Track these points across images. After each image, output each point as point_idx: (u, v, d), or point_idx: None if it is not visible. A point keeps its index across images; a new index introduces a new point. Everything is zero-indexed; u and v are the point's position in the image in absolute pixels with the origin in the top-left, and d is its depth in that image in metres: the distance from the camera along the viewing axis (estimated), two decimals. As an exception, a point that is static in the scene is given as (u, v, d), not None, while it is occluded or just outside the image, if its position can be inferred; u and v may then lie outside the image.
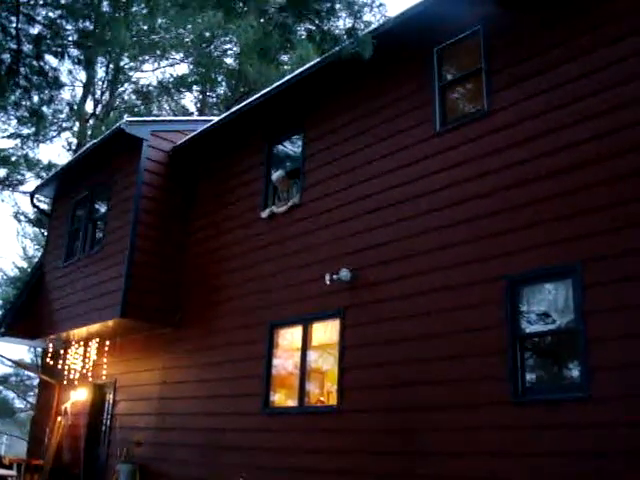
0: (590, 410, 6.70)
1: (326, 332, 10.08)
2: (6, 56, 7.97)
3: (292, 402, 10.22)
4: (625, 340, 6.61)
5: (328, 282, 9.54)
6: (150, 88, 26.05)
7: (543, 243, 7.50)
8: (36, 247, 28.05)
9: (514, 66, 8.41)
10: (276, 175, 11.40)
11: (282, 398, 10.58)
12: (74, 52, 8.58)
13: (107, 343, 14.26)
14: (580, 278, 7.07)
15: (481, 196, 8.30)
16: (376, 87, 10.23)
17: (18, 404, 30.57)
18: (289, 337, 10.68)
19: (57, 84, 8.48)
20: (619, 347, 6.63)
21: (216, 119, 13.06)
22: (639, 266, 6.69)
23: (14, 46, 7.89)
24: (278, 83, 11.46)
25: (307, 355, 10.08)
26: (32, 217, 26.05)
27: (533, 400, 7.27)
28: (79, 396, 14.93)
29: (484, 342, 7.74)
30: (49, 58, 8.26)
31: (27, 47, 8.05)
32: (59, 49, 8.17)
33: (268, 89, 11.67)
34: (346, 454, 8.90)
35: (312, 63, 10.67)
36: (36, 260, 23.56)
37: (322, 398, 9.97)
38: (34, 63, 8.12)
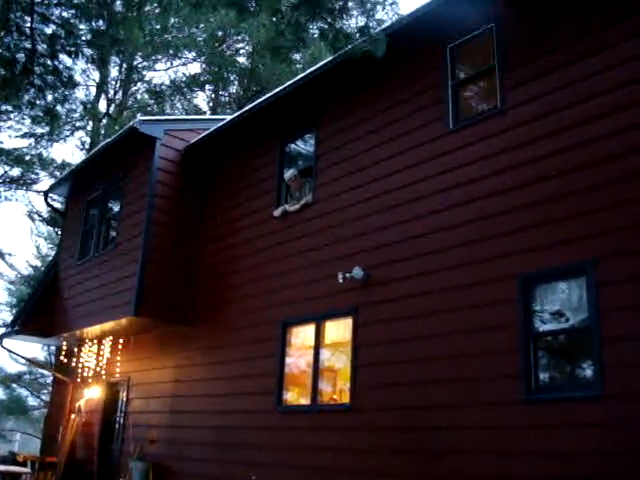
0: (603, 409, 6.67)
1: (339, 330, 10.08)
2: (21, 55, 8.02)
3: (305, 400, 10.23)
4: (639, 339, 6.57)
5: (341, 280, 9.54)
6: (163, 87, 26.18)
7: (557, 241, 7.47)
8: (50, 246, 28.22)
9: (527, 64, 8.37)
10: (288, 174, 11.41)
11: (295, 396, 10.60)
12: (88, 51, 8.62)
13: (120, 341, 14.33)
14: (594, 276, 7.04)
15: (494, 194, 8.27)
16: (389, 85, 10.21)
17: (32, 402, 30.72)
18: (302, 335, 10.69)
19: (71, 83, 8.52)
20: (633, 346, 6.58)
21: (229, 118, 13.08)
22: (654, 264, 6.66)
23: (29, 45, 7.94)
24: (290, 82, 11.46)
25: (320, 353, 10.08)
26: (46, 216, 26.21)
27: (546, 399, 7.24)
28: (93, 394, 15.01)
29: (498, 341, 7.72)
30: (63, 57, 8.30)
31: (41, 46, 8.10)
32: (73, 48, 8.21)
33: (281, 88, 11.68)
34: (359, 453, 8.90)
35: (324, 62, 10.67)
36: (50, 259, 23.70)
37: (335, 396, 9.97)
38: (48, 62, 8.16)
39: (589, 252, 7.15)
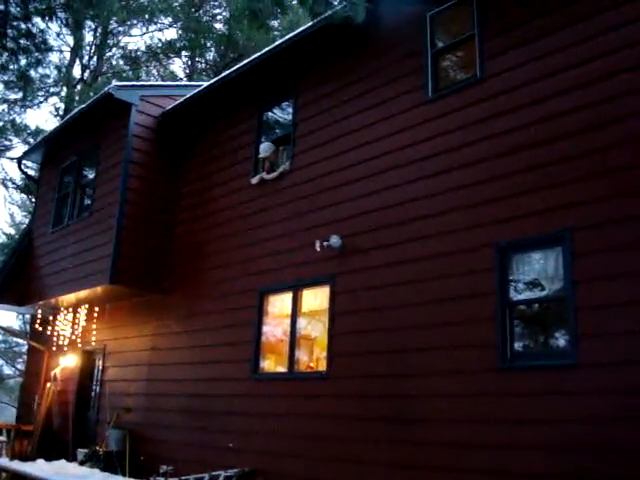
0: (578, 377, 6.75)
1: (316, 299, 10.10)
2: (-7, 18, 7.84)
3: (282, 368, 10.26)
4: (613, 308, 6.63)
5: (318, 249, 9.53)
6: (138, 53, 25.81)
7: (534, 211, 7.49)
8: (24, 214, 27.93)
9: (507, 33, 8.33)
10: (263, 148, 11.21)
11: (272, 364, 10.63)
12: (62, 14, 8.43)
13: (96, 309, 14.25)
14: (570, 246, 7.08)
15: (472, 163, 8.26)
16: (368, 53, 10.13)
17: (7, 371, 30.63)
18: (279, 304, 10.69)
19: (45, 47, 8.36)
20: (607, 315, 6.65)
21: (206, 84, 12.92)
22: (629, 234, 6.70)
23: (1, 7, 7.75)
24: (268, 48, 11.32)
25: (297, 322, 10.10)
26: (19, 183, 25.89)
27: (521, 367, 7.31)
28: (68, 362, 14.95)
29: (474, 310, 7.76)
30: (37, 20, 8.12)
31: (15, 9, 7.91)
32: (47, 11, 8.03)
33: (258, 54, 11.53)
34: (335, 420, 8.95)
35: (304, 27, 10.52)
36: (24, 227, 23.44)
37: (311, 364, 10.01)
38: (22, 25, 7.98)
39: (566, 222, 7.18)
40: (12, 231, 27.78)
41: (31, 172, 19.36)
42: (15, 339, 27.54)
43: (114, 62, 26.24)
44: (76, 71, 24.66)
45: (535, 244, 7.52)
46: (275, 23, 22.39)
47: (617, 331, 6.55)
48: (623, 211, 6.79)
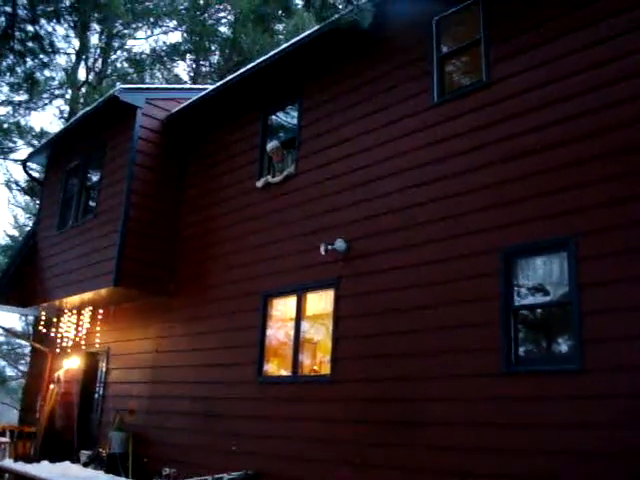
0: (581, 382, 6.75)
1: (320, 302, 10.10)
2: (1, 20, 7.87)
3: (285, 371, 10.27)
4: (617, 313, 6.64)
5: (323, 252, 9.53)
6: (143, 56, 25.84)
7: (540, 216, 7.49)
8: (27, 216, 27.94)
9: (514, 37, 8.35)
10: (270, 145, 11.34)
11: (275, 368, 10.63)
12: (69, 17, 8.48)
13: (100, 311, 14.27)
14: (575, 251, 7.08)
15: (477, 168, 8.27)
16: (374, 57, 10.14)
17: (9, 372, 30.61)
18: (282, 307, 10.70)
19: (52, 49, 8.39)
20: (612, 320, 6.65)
21: (211, 87, 12.94)
22: (633, 239, 6.71)
23: (9, 9, 7.79)
24: (275, 51, 11.33)
25: (301, 325, 10.10)
26: (23, 185, 25.91)
27: (526, 371, 7.31)
28: (72, 364, 14.97)
29: (478, 314, 7.76)
30: (44, 23, 8.15)
31: (22, 11, 7.94)
32: (54, 13, 8.06)
33: (265, 57, 11.55)
34: (338, 423, 8.96)
35: (310, 31, 10.54)
36: (28, 229, 23.50)
37: (315, 367, 10.02)
38: (29, 27, 8.01)
39: (571, 227, 7.18)
40: (16, 233, 27.81)
41: (35, 174, 19.39)
42: (18, 340, 27.54)
43: (119, 65, 26.29)
44: (81, 73, 24.72)
45: (540, 249, 7.52)
46: (280, 27, 22.41)
47: (622, 336, 6.55)
48: (628, 216, 6.79)
